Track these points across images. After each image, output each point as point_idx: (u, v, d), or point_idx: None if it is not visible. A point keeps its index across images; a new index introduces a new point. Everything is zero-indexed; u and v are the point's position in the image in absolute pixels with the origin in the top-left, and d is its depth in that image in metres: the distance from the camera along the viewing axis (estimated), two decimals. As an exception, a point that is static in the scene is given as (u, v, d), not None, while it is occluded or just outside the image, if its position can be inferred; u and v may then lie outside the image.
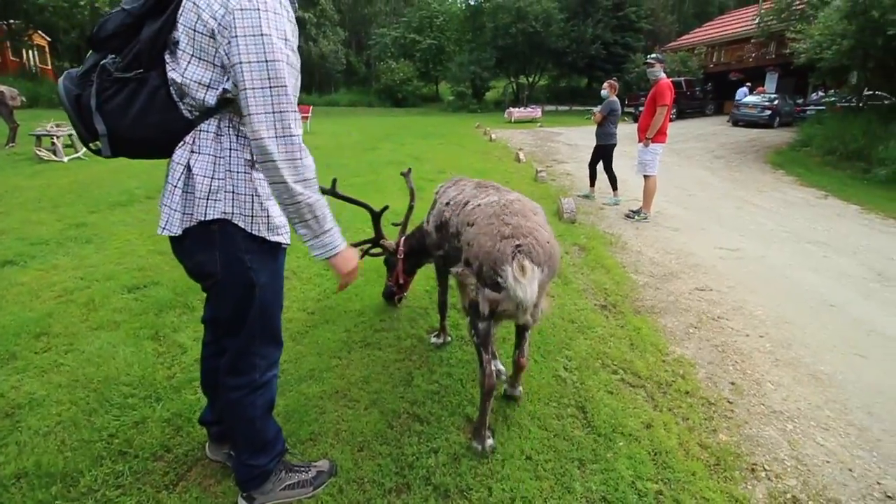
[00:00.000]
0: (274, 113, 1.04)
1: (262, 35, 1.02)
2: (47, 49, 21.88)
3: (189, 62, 1.09)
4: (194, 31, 1.07)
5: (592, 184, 6.35)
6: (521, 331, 1.85)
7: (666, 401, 2.11)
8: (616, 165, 6.15)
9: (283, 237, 1.28)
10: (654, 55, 5.56)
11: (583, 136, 13.84)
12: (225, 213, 1.16)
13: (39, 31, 19.69)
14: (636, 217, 5.33)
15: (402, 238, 2.47)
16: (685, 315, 3.01)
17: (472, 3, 28.80)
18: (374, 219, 2.39)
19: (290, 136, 1.06)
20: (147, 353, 2.24)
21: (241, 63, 1.02)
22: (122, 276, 3.08)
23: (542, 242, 1.58)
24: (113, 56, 1.10)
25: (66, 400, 1.92)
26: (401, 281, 2.53)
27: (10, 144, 8.43)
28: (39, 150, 7.37)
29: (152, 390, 1.98)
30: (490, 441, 1.74)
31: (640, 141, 5.37)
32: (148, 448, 1.68)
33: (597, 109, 6.06)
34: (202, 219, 1.15)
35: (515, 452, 1.73)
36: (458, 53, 29.19)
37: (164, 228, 1.17)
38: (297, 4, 1.23)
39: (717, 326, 2.88)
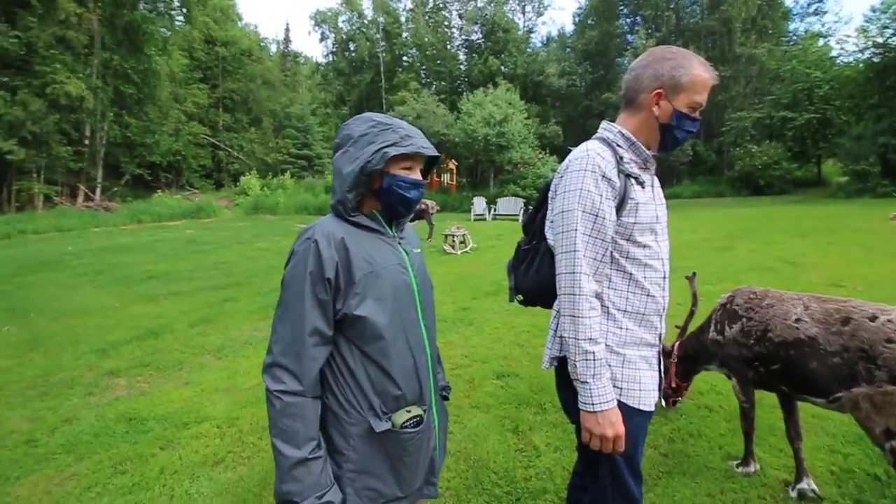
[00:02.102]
0: (564, 274, 1.20)
1: (563, 211, 1.22)
2: (454, 171, 30.92)
3: (550, 228, 1.34)
4: (552, 204, 1.34)
5: None
6: None
7: None
8: None
9: (631, 399, 1.23)
10: None
11: None
12: (562, 351, 1.25)
13: (452, 159, 28.25)
14: None
15: (678, 342, 2.46)
16: None
17: (876, 60, 22.39)
18: None
19: (573, 294, 1.17)
20: (509, 445, 2.53)
21: (552, 224, 1.30)
22: (493, 362, 3.71)
23: None
24: (525, 237, 1.50)
25: (453, 467, 2.37)
26: (673, 385, 2.48)
27: (429, 239, 12.11)
28: (445, 246, 10.22)
29: (512, 487, 2.19)
30: None
31: None
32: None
33: None
34: (551, 354, 1.33)
35: None
36: (854, 124, 22.91)
37: (543, 363, 1.38)
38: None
39: None
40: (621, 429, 1.17)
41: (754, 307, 2.06)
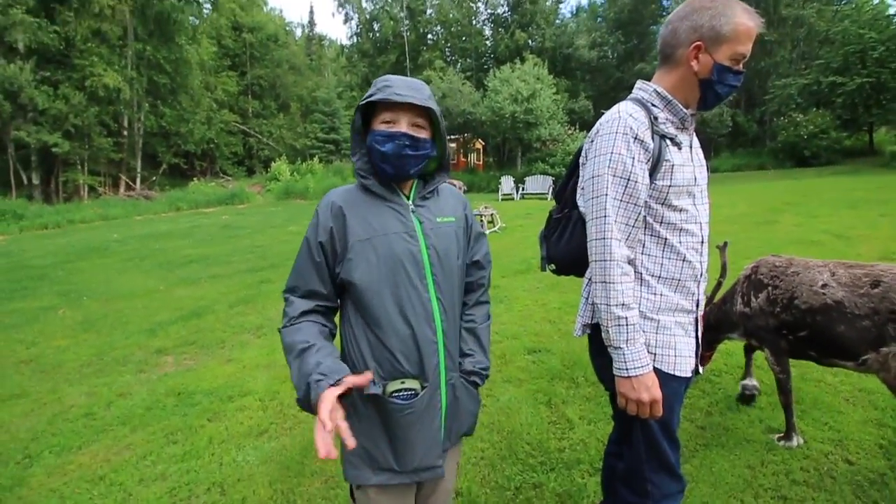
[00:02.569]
0: (595, 240, 1.17)
1: (593, 177, 1.19)
2: (481, 150, 30.51)
3: (581, 195, 1.30)
4: (582, 170, 1.29)
5: None
6: None
7: None
8: None
9: (666, 365, 1.20)
10: None
11: None
12: (595, 318, 1.25)
13: (479, 139, 27.83)
14: None
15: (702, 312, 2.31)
16: None
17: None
18: None
19: (604, 261, 1.15)
20: (542, 418, 2.55)
21: (582, 190, 1.26)
22: (524, 338, 3.71)
23: None
24: (556, 205, 1.46)
25: (486, 438, 2.41)
26: None
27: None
28: (473, 226, 10.20)
29: (546, 458, 2.21)
30: None
31: None
32: (543, 516, 1.85)
33: None
34: (583, 321, 1.32)
35: None
36: (912, 87, 21.17)
37: (575, 331, 1.38)
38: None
39: None
40: (657, 393, 1.14)
41: (779, 275, 2.07)
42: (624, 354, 1.14)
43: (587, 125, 24.82)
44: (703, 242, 1.26)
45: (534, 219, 11.36)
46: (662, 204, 1.20)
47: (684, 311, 1.24)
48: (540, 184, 18.07)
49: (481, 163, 29.85)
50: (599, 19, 34.21)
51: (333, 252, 1.11)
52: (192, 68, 25.20)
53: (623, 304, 1.13)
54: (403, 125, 1.08)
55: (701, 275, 1.27)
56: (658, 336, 1.21)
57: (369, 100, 1.07)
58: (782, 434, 2.20)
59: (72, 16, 19.35)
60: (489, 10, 32.60)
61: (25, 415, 3.10)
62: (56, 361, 4.07)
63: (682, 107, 1.21)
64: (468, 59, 32.85)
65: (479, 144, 29.09)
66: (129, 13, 21.50)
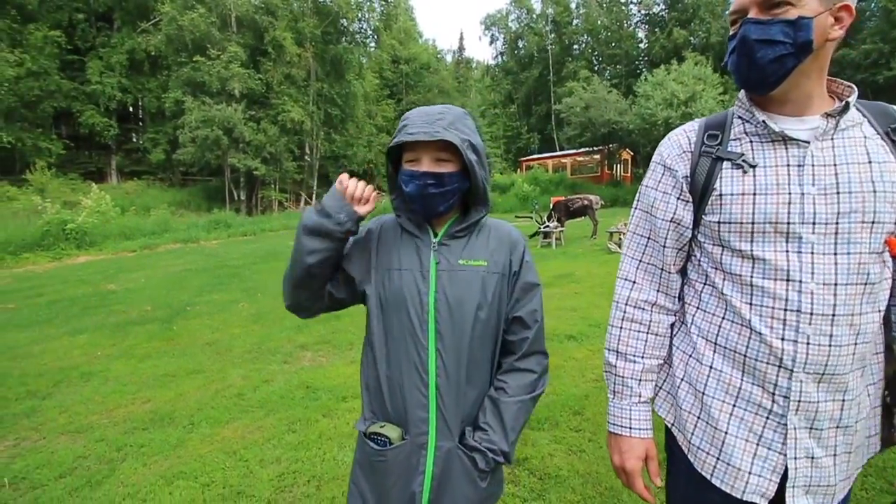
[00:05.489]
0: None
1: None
2: (630, 161, 28.33)
3: None
4: None
5: None
6: None
7: None
8: None
9: (701, 464, 0.91)
10: None
11: None
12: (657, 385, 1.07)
13: (626, 149, 25.91)
14: None
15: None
16: None
17: None
18: None
19: (613, 301, 1.04)
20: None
21: None
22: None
23: None
24: None
25: (580, 491, 2.14)
26: None
27: (593, 237, 11.33)
28: (610, 244, 9.43)
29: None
30: None
31: None
32: None
33: None
34: None
35: None
36: None
37: None
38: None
39: None
40: (631, 464, 0.98)
41: None
42: (609, 406, 1.02)
43: (764, 128, 21.21)
44: (800, 312, 0.80)
45: (685, 237, 10.02)
46: (721, 246, 0.89)
47: (751, 405, 0.86)
48: (697, 197, 15.94)
49: (629, 174, 27.72)
50: (785, 3, 29.11)
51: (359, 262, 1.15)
52: (357, 100, 28.91)
53: (616, 352, 1.00)
54: (425, 163, 1.04)
55: (797, 362, 0.81)
56: (700, 423, 0.92)
57: (390, 145, 1.08)
58: None
59: (271, 65, 23.95)
60: (643, 11, 30.42)
61: (198, 388, 3.81)
62: (228, 346, 4.95)
63: (760, 112, 0.87)
64: (617, 66, 31.09)
65: (626, 155, 27.09)
66: (312, 58, 25.67)
